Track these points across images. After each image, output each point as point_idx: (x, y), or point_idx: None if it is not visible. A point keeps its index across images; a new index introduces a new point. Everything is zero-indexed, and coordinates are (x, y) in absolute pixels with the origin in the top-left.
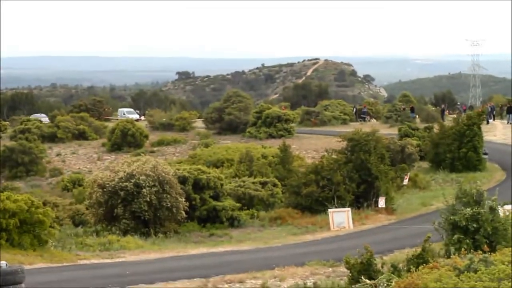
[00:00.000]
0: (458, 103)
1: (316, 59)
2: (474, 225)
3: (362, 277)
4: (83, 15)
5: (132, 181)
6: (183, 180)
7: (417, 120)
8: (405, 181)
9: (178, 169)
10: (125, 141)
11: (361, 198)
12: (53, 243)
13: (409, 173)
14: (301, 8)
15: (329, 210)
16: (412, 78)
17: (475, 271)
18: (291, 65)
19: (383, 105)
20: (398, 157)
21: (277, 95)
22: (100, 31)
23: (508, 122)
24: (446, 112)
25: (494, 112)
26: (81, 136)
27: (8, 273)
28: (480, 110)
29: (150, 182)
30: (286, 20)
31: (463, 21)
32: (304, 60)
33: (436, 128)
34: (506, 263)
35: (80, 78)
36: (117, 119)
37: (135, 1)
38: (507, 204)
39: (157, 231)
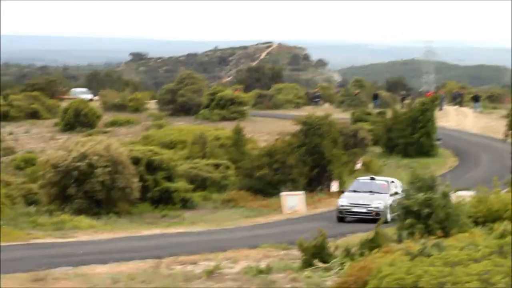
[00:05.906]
0: (420, 90)
1: (269, 42)
2: (427, 210)
3: (315, 260)
4: None
5: (85, 161)
6: (136, 161)
7: (371, 105)
8: (358, 166)
9: (131, 150)
10: (78, 121)
11: (314, 182)
12: (5, 222)
13: (361, 158)
14: None
15: (282, 193)
16: (365, 64)
17: (428, 256)
18: (244, 48)
19: (339, 89)
20: (351, 142)
21: (230, 78)
22: (51, 10)
23: (474, 111)
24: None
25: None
26: (34, 115)
27: None
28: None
29: (103, 162)
30: (239, 3)
31: (417, 7)
32: (257, 44)
33: (389, 113)
34: (459, 248)
35: (32, 57)
36: (70, 98)
37: None
38: (460, 190)
39: (110, 212)
